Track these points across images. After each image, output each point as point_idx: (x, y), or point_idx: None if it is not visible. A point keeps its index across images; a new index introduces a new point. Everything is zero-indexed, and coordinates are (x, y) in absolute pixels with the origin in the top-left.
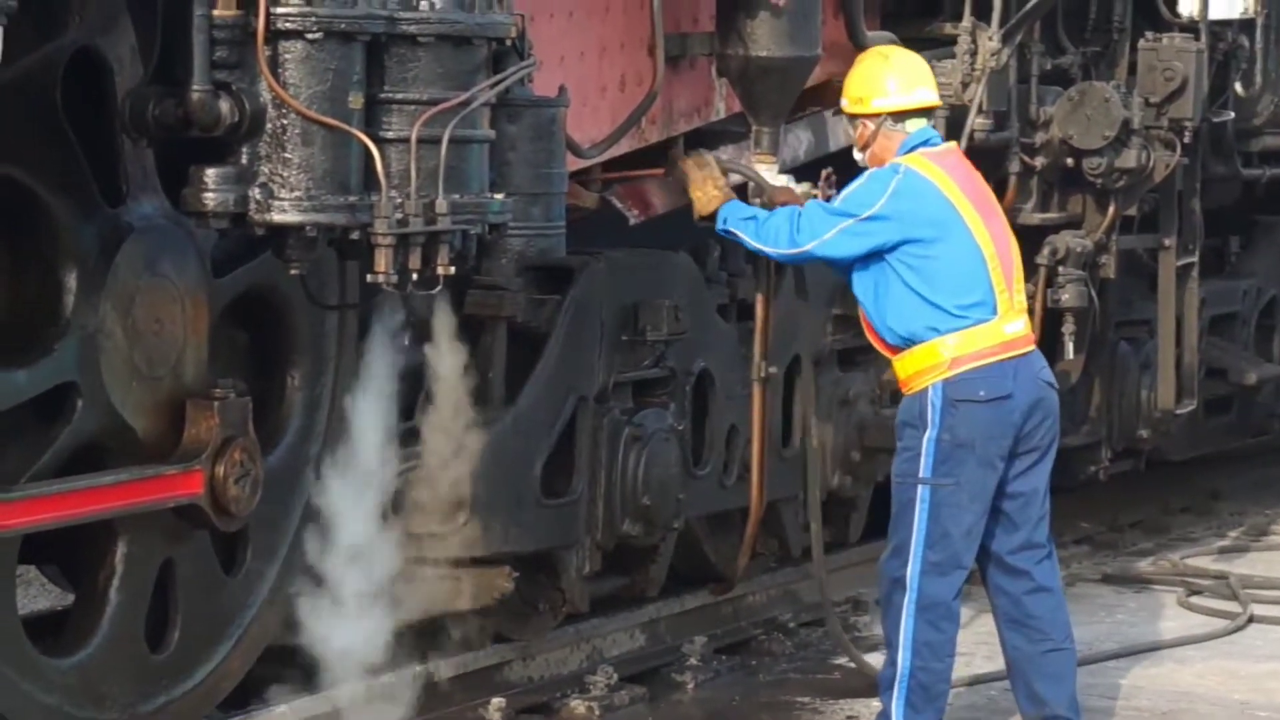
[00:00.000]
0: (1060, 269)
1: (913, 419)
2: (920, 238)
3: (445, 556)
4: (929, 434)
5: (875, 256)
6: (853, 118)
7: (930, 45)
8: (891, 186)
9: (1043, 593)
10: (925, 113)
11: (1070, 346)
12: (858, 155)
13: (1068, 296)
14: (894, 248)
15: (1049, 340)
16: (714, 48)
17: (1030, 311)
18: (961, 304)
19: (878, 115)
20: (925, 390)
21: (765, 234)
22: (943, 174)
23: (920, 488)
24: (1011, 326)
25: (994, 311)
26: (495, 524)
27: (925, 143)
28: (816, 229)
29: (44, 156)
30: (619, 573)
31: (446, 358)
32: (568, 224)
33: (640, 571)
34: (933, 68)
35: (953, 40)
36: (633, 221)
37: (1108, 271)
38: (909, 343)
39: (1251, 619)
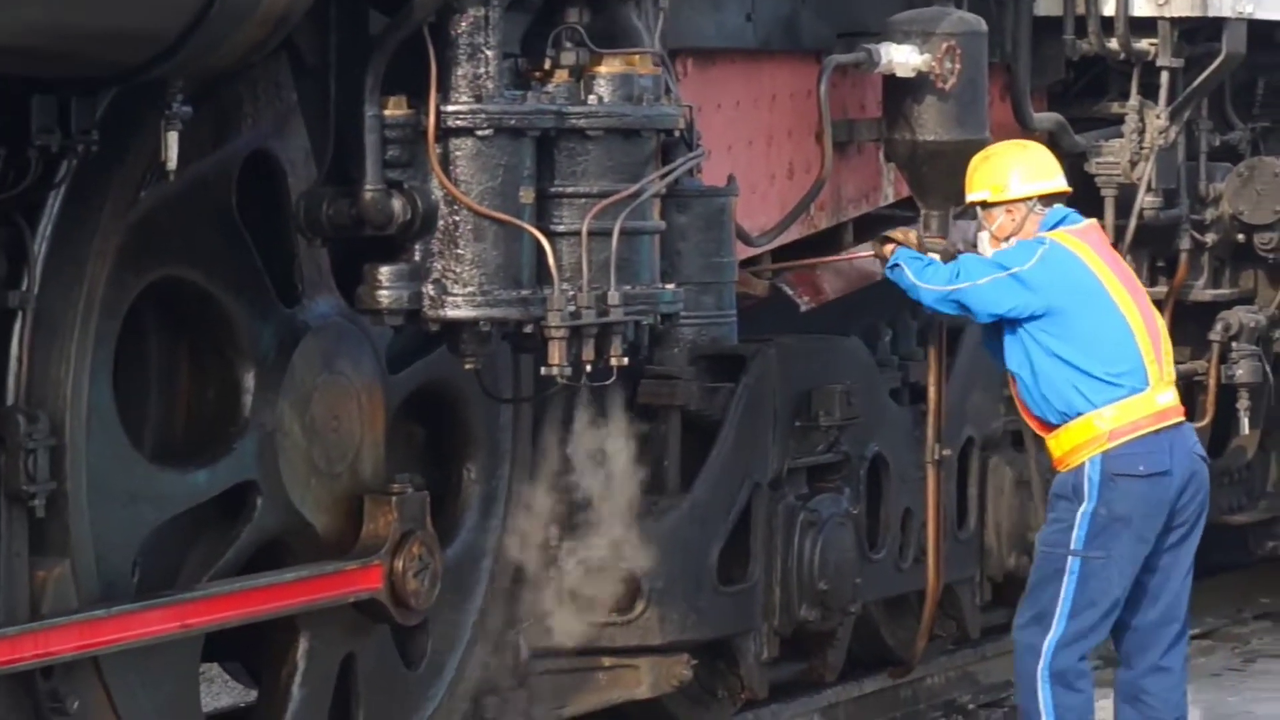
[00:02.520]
0: (1234, 345)
1: (1066, 492)
2: (1065, 306)
3: (624, 645)
4: (1085, 507)
5: (1026, 331)
6: (996, 205)
7: (1098, 124)
8: (1039, 254)
9: (1163, 672)
10: (1059, 198)
11: (1245, 422)
12: (996, 247)
13: (1242, 372)
14: (1040, 317)
15: (1224, 416)
16: (881, 133)
17: (1204, 388)
18: (1113, 372)
19: (1028, 200)
20: (1082, 465)
21: (926, 273)
22: (1086, 248)
23: (1070, 558)
24: (1163, 397)
25: (1146, 382)
26: (673, 612)
27: (1063, 220)
28: (973, 273)
29: (221, 258)
30: (797, 658)
31: (621, 448)
32: (739, 312)
33: (818, 656)
34: (1100, 148)
35: (1120, 119)
36: (803, 308)
37: None
38: (1065, 417)
39: None
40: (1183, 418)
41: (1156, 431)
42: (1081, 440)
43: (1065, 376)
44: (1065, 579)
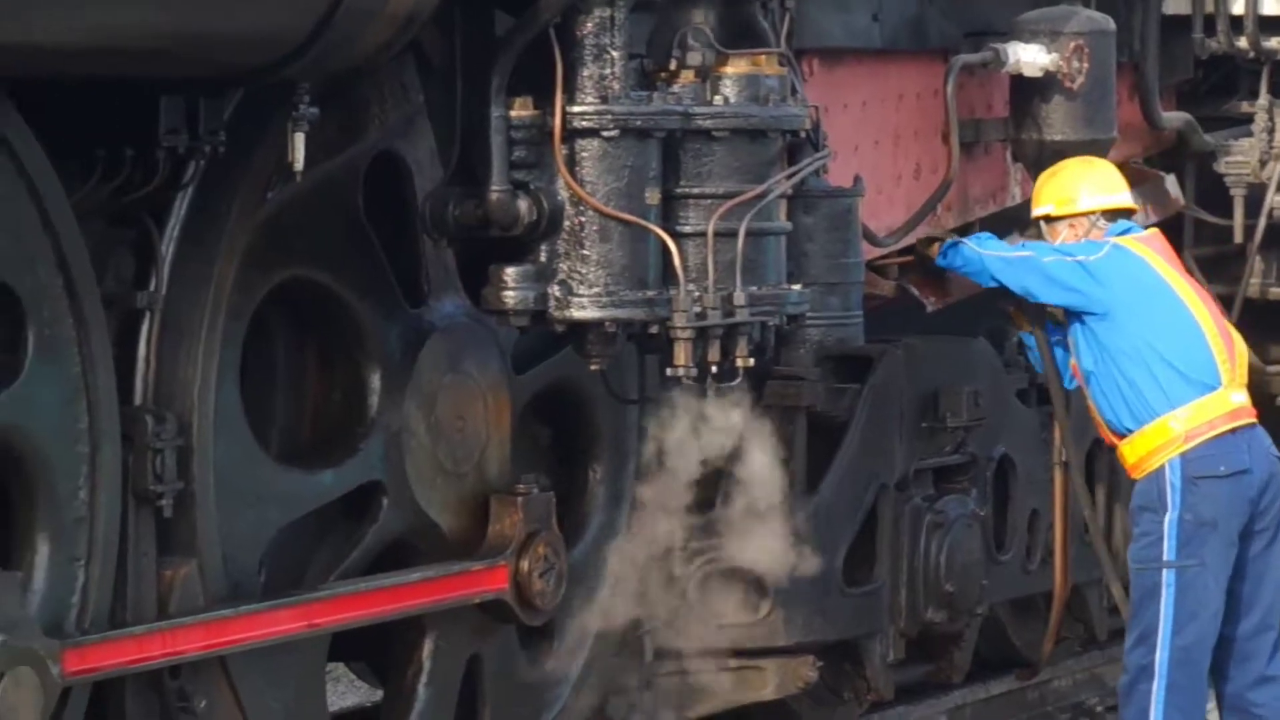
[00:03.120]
0: None
1: (1150, 502)
2: (1133, 303)
3: (750, 646)
4: (1170, 515)
5: (1096, 330)
6: (1059, 220)
7: (1227, 124)
8: (1105, 250)
9: (1271, 682)
10: (1125, 214)
11: None
12: None
13: None
14: (1107, 315)
15: None
16: (1008, 133)
17: None
18: (1187, 369)
19: (1091, 214)
20: (1162, 469)
21: (989, 243)
22: (1151, 252)
23: (1165, 572)
24: (1237, 396)
25: (1219, 380)
26: (799, 613)
27: (1126, 232)
28: (1040, 249)
29: (347, 259)
30: (923, 659)
31: (747, 449)
32: (865, 312)
33: (945, 658)
34: (1230, 147)
35: (1250, 118)
36: (930, 309)
37: None
38: (1139, 421)
39: None
40: (1255, 419)
41: (1233, 431)
42: (1158, 444)
43: (1141, 373)
44: (1164, 593)
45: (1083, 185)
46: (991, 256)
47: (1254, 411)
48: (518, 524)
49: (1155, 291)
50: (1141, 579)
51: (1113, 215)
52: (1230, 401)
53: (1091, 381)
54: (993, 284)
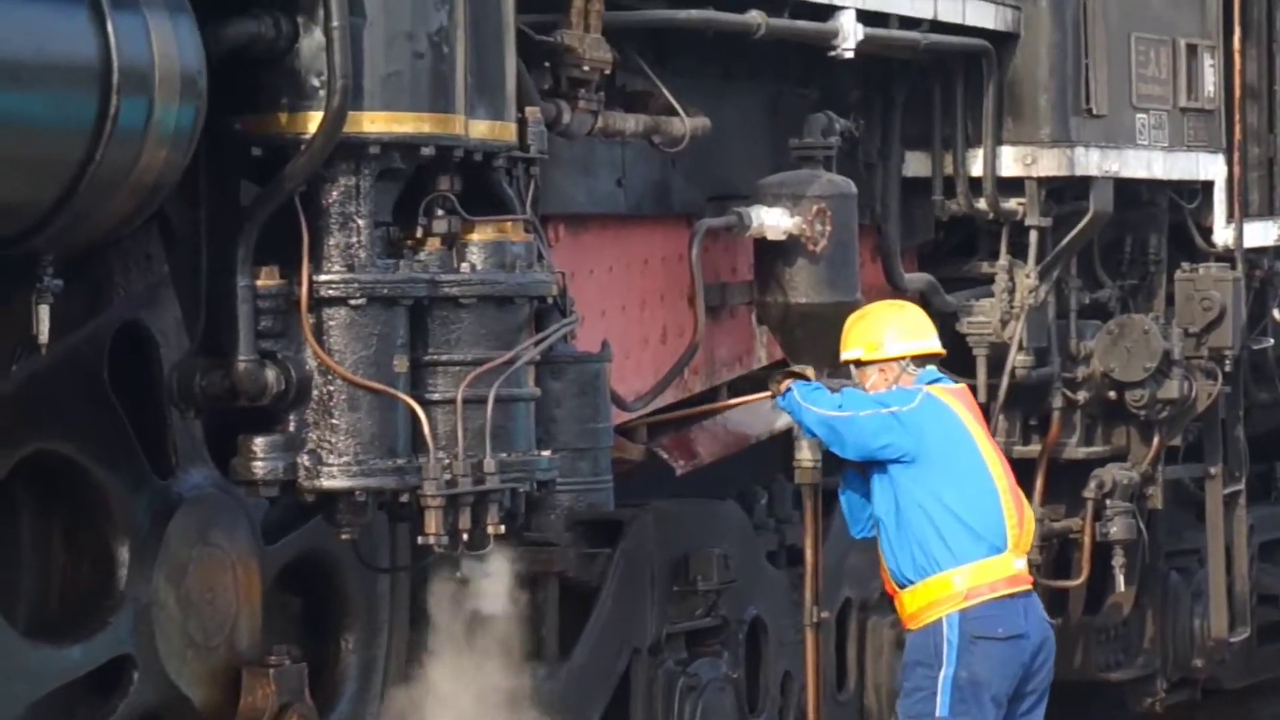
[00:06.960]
0: (1108, 502)
1: (925, 657)
2: (938, 454)
3: None
4: (945, 672)
5: (895, 477)
6: (869, 364)
7: (968, 284)
8: (917, 400)
9: None
10: (932, 359)
11: (1121, 579)
12: None
13: (1116, 529)
14: (912, 463)
15: (1099, 573)
16: (753, 295)
17: (1079, 545)
18: (977, 526)
19: (900, 359)
20: (939, 623)
21: (813, 395)
22: (960, 405)
23: None
24: (1020, 562)
25: (1005, 544)
26: None
27: (936, 381)
28: (856, 404)
29: (93, 431)
30: None
31: (499, 615)
32: (615, 477)
33: None
34: (971, 307)
35: (990, 279)
36: (679, 472)
37: (1155, 502)
38: (921, 572)
39: None
40: (1032, 586)
41: (1012, 595)
42: (937, 597)
43: (930, 525)
44: None
45: (889, 330)
46: (809, 411)
47: (1032, 580)
48: (270, 695)
49: (959, 445)
50: None
51: (921, 360)
52: (1013, 566)
53: (882, 528)
54: (812, 436)
